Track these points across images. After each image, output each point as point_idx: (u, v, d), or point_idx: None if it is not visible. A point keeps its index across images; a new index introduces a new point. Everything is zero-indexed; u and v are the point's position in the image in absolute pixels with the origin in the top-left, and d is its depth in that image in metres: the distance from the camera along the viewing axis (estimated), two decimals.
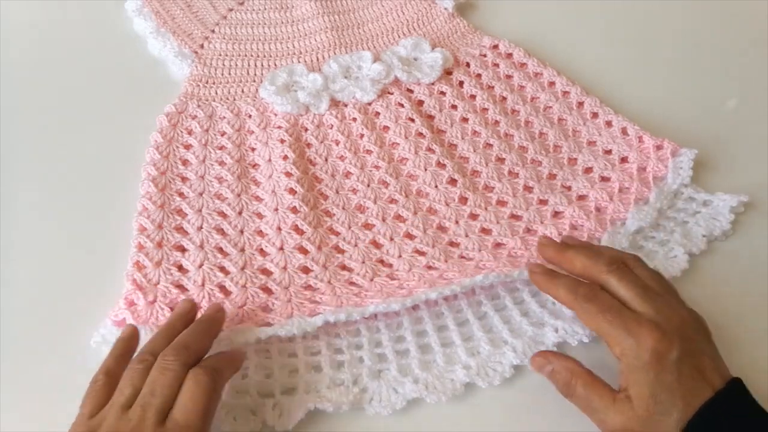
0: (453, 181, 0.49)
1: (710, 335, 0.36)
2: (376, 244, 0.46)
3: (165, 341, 0.37)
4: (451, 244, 0.46)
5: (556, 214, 0.48)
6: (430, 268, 0.44)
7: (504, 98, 0.56)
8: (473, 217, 0.48)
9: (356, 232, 0.47)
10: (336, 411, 0.38)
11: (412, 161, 0.50)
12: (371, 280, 0.44)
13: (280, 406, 0.38)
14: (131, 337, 0.38)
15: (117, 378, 0.35)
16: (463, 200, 0.48)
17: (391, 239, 0.46)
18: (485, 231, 0.47)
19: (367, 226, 0.47)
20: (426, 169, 0.50)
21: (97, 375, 0.36)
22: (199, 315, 0.40)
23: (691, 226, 0.47)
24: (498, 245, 0.46)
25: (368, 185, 0.49)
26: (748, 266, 0.47)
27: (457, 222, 0.47)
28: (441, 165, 0.50)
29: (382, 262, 0.45)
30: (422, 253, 0.45)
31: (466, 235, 0.46)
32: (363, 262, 0.45)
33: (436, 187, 0.49)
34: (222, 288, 0.43)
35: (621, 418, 0.34)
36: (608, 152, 0.52)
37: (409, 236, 0.46)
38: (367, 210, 0.48)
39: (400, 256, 0.45)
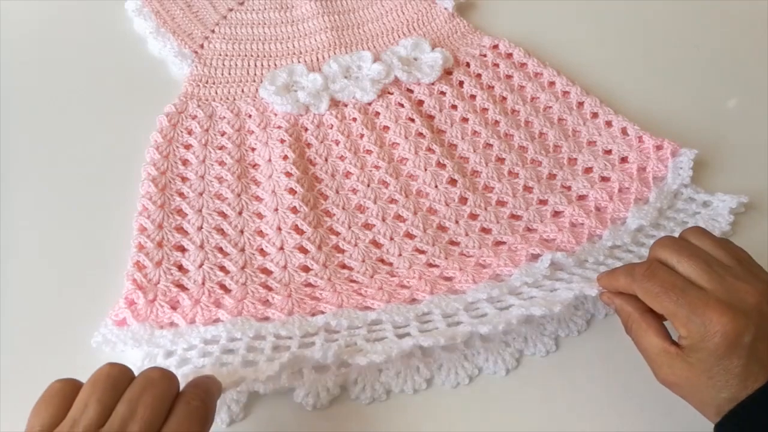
0: (453, 181, 0.49)
1: None
2: (376, 244, 0.46)
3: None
4: (451, 243, 0.46)
5: (556, 213, 0.48)
6: (430, 265, 0.45)
7: (504, 98, 0.56)
8: (473, 217, 0.48)
9: (356, 232, 0.47)
10: (324, 360, 0.37)
11: (412, 161, 0.50)
12: (371, 277, 0.44)
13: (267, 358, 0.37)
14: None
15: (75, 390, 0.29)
16: (463, 200, 0.48)
17: (391, 239, 0.46)
18: (485, 231, 0.47)
19: (367, 226, 0.47)
20: (426, 169, 0.50)
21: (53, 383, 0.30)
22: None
23: None
24: (498, 244, 0.46)
25: (368, 185, 0.49)
26: None
27: (457, 222, 0.47)
28: (441, 165, 0.50)
29: (382, 261, 0.45)
30: (422, 252, 0.45)
31: (466, 235, 0.46)
32: (363, 261, 0.45)
33: (436, 187, 0.49)
34: (222, 286, 0.43)
35: (669, 370, 0.33)
36: (608, 152, 0.52)
37: (409, 236, 0.46)
38: (367, 210, 0.48)
39: (400, 255, 0.45)
